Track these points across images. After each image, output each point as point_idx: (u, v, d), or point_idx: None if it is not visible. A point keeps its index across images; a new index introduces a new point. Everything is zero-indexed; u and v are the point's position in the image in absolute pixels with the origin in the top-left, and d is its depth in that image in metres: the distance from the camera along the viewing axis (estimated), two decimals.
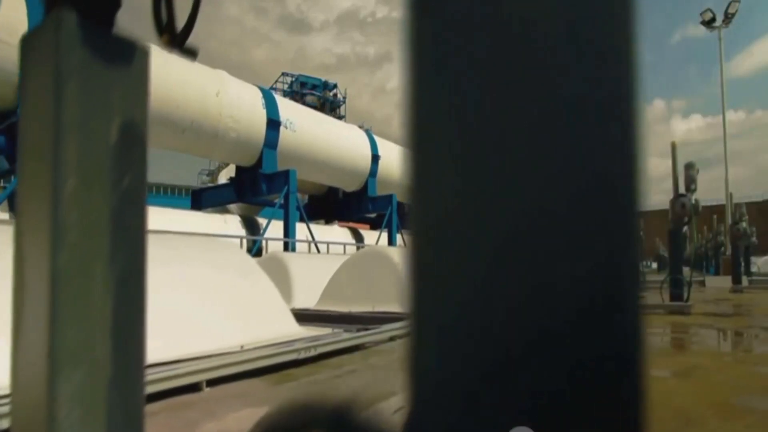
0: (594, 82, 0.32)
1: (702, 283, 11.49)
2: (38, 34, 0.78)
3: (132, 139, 0.84)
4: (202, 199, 14.25)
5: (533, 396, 0.31)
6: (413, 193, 0.35)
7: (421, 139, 0.35)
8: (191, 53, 1.05)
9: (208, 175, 27.01)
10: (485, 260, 0.33)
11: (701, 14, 16.97)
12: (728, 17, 16.79)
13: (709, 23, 17.13)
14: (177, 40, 1.02)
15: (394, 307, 5.19)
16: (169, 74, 9.90)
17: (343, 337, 3.51)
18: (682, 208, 5.44)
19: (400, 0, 0.36)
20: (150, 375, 2.42)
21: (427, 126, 0.35)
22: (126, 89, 0.84)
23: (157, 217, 9.04)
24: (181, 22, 0.93)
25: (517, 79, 0.32)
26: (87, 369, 0.74)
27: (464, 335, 0.33)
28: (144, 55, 0.87)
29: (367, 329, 3.97)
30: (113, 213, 0.80)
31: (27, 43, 0.81)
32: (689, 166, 5.59)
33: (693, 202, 5.50)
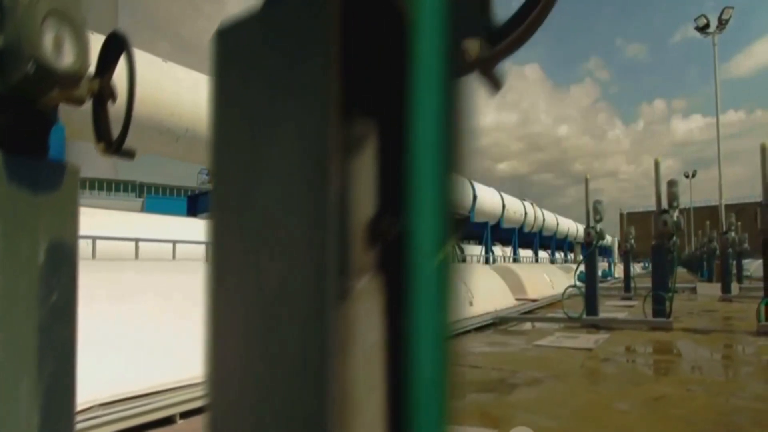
0: None
1: (693, 290, 11.55)
2: None
3: (60, 257, 0.91)
4: (198, 204, 14.26)
5: None
6: None
7: None
8: (129, 154, 1.12)
9: (207, 174, 27.07)
10: None
11: (695, 20, 17.01)
12: (722, 23, 16.82)
13: (703, 29, 17.15)
14: (113, 147, 1.09)
15: None
16: (164, 82, 9.93)
17: None
18: (664, 226, 5.51)
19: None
20: (124, 410, 2.50)
21: None
22: (55, 211, 0.91)
23: (155, 226, 9.08)
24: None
25: None
26: None
27: None
28: (73, 176, 0.94)
29: None
30: (41, 330, 0.87)
31: None
32: (672, 184, 5.65)
33: (675, 219, 5.57)
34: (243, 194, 0.42)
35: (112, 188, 39.47)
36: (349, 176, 0.42)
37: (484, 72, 0.61)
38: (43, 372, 0.87)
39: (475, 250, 25.02)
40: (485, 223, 24.91)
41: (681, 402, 2.82)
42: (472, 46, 0.57)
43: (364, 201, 0.42)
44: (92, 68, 0.95)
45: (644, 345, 4.81)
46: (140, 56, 9.81)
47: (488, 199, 25.91)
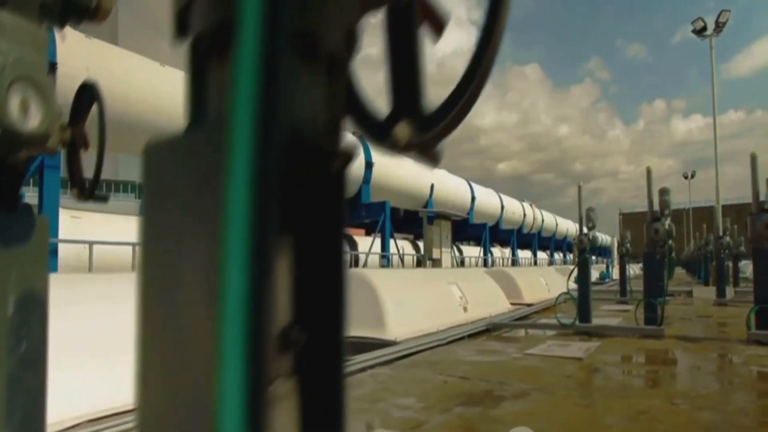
0: None
1: (689, 294, 11.58)
2: None
3: (31, 306, 0.94)
4: None
5: None
6: None
7: None
8: (102, 199, 1.15)
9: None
10: None
11: (692, 23, 17.04)
12: (719, 26, 16.84)
13: (700, 32, 17.18)
14: (86, 193, 1.12)
15: (370, 332, 5.30)
16: (161, 85, 9.96)
17: None
18: (655, 234, 5.54)
19: None
20: (114, 426, 2.53)
21: None
22: (25, 262, 0.94)
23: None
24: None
25: None
26: None
27: None
28: (43, 227, 0.97)
29: None
30: (10, 380, 0.90)
31: None
32: (663, 192, 5.68)
33: (667, 227, 5.60)
34: (161, 310, 0.45)
35: (111, 188, 39.45)
36: (262, 290, 0.45)
37: (419, 153, 0.64)
38: (12, 422, 0.90)
39: (473, 252, 25.07)
40: (484, 225, 24.94)
41: (665, 416, 2.85)
42: (402, 132, 0.60)
43: (277, 312, 0.45)
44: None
45: (635, 354, 4.84)
46: (138, 60, 9.84)
47: (487, 200, 25.96)
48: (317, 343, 0.47)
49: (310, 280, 0.47)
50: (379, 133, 0.63)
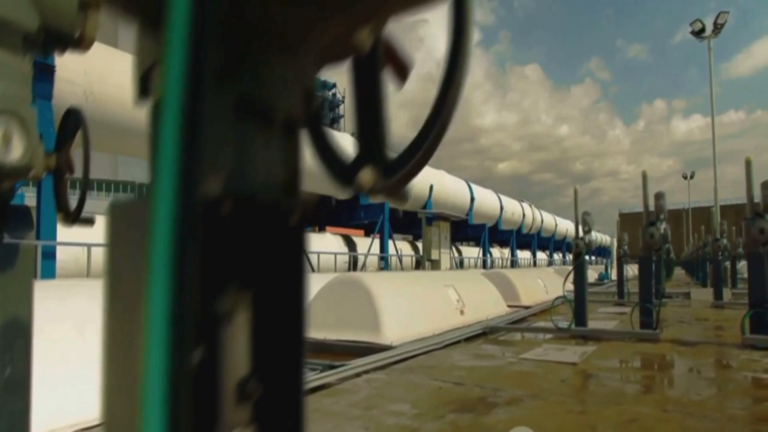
0: None
1: (687, 296, 11.60)
2: None
3: (15, 333, 0.96)
4: None
5: None
6: None
7: None
8: (88, 222, 1.17)
9: None
10: None
11: (691, 24, 17.05)
12: (717, 27, 16.85)
13: (698, 33, 17.19)
14: (71, 218, 1.14)
15: (366, 336, 5.32)
16: None
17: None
18: (651, 238, 5.56)
19: None
20: None
21: None
22: (9, 290, 0.96)
23: None
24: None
25: None
26: None
27: None
28: (27, 255, 0.99)
29: (333, 366, 4.10)
30: None
31: None
32: (659, 196, 5.70)
33: (663, 231, 5.62)
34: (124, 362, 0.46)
35: (111, 189, 39.48)
36: (219, 345, 0.47)
37: (385, 196, 0.66)
38: None
39: (472, 252, 25.09)
40: (483, 225, 24.96)
41: (655, 424, 2.87)
42: (366, 178, 0.62)
43: (233, 365, 0.47)
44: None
45: (629, 359, 4.86)
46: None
47: (486, 200, 25.98)
48: (275, 394, 0.49)
49: (268, 332, 0.49)
50: (344, 177, 0.65)
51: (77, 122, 1.11)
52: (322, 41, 0.50)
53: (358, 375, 4.11)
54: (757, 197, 5.05)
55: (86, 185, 1.13)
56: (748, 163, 4.99)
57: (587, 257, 6.51)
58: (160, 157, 0.32)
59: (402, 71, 0.65)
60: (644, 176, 5.80)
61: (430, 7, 0.50)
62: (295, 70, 0.48)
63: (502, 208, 28.13)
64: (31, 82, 0.92)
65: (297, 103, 0.49)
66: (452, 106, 0.59)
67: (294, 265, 0.50)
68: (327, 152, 0.67)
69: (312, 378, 3.70)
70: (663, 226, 5.62)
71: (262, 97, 0.45)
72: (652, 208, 5.81)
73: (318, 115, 0.68)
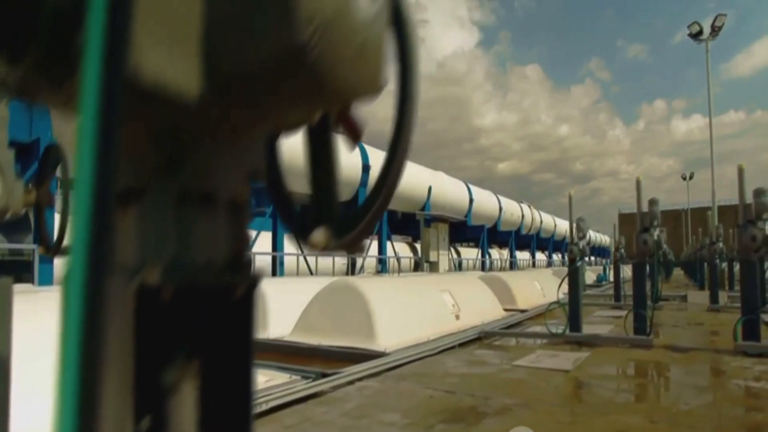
0: None
1: (684, 298, 11.63)
2: None
3: None
4: None
5: None
6: None
7: None
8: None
9: None
10: None
11: (689, 26, 17.04)
12: (715, 30, 16.84)
13: (696, 36, 17.19)
14: (51, 251, 1.16)
15: (360, 342, 5.34)
16: None
17: (297, 387, 3.66)
18: (644, 245, 5.58)
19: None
20: None
21: None
22: None
23: None
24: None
25: None
26: None
27: None
28: (5, 291, 1.01)
29: (325, 374, 4.12)
30: None
31: None
32: (652, 203, 5.73)
33: (656, 237, 5.65)
34: None
35: None
36: (166, 415, 0.49)
37: (342, 250, 0.68)
38: None
39: (471, 253, 25.12)
40: (482, 226, 24.98)
41: None
42: (318, 238, 0.65)
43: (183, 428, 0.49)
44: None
45: (622, 365, 4.89)
46: None
47: (485, 201, 26.00)
48: None
49: (215, 401, 0.51)
50: (301, 234, 0.67)
51: (57, 157, 1.14)
52: (268, 129, 0.53)
53: (350, 383, 4.13)
54: (748, 198, 5.08)
55: (66, 220, 1.15)
56: (740, 171, 5.01)
57: (586, 258, 6.54)
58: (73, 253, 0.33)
59: (354, 134, 0.67)
60: (638, 183, 5.82)
61: (373, 98, 0.52)
62: (240, 154, 0.51)
63: (501, 209, 28.14)
64: (8, 125, 0.95)
65: (242, 183, 0.51)
66: (398, 171, 0.61)
67: (240, 335, 0.53)
68: (286, 209, 0.70)
69: (304, 386, 3.72)
70: (657, 232, 5.65)
71: (206, 186, 0.47)
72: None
73: (277, 175, 0.70)
